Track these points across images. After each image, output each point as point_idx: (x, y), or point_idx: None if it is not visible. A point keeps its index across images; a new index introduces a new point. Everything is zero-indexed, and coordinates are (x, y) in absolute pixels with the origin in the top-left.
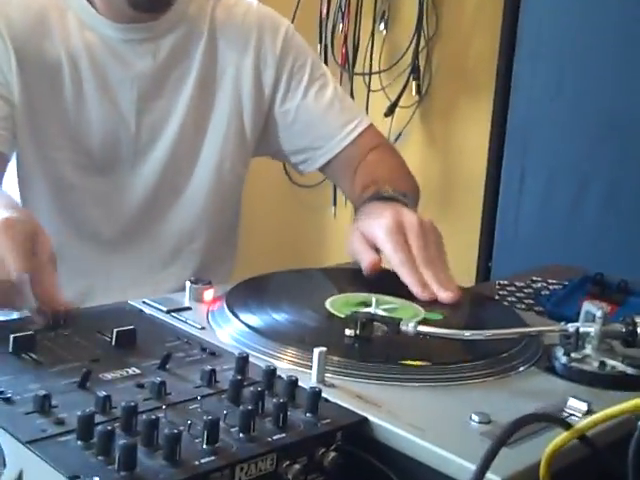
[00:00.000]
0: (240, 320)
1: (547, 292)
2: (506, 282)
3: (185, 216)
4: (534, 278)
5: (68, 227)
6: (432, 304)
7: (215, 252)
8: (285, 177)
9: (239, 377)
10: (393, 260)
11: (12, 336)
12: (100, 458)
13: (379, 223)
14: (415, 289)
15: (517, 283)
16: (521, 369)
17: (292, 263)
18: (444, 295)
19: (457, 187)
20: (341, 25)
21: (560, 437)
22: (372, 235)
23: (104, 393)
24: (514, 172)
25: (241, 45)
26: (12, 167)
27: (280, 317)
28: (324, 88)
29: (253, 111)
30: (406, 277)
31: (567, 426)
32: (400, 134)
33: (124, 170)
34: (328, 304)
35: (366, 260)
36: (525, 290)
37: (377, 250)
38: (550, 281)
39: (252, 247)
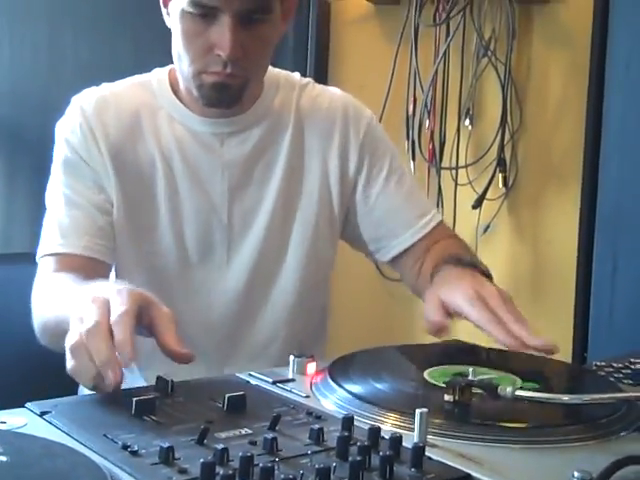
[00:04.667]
0: (344, 388)
1: None
2: (603, 363)
3: (280, 303)
4: (632, 360)
5: None
6: (530, 374)
7: (310, 334)
8: (376, 272)
9: (346, 434)
10: (481, 320)
11: (135, 400)
12: None
13: (460, 292)
14: (507, 340)
15: (615, 364)
16: (622, 434)
17: None
18: (536, 342)
19: (547, 278)
20: (427, 122)
21: None
22: (454, 304)
23: (222, 446)
24: (606, 260)
25: (327, 133)
26: None
27: (381, 386)
28: (403, 179)
29: (340, 195)
30: (495, 331)
31: None
32: (488, 226)
33: (218, 261)
34: (426, 374)
35: (433, 319)
36: (623, 371)
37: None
38: None
39: (343, 337)
